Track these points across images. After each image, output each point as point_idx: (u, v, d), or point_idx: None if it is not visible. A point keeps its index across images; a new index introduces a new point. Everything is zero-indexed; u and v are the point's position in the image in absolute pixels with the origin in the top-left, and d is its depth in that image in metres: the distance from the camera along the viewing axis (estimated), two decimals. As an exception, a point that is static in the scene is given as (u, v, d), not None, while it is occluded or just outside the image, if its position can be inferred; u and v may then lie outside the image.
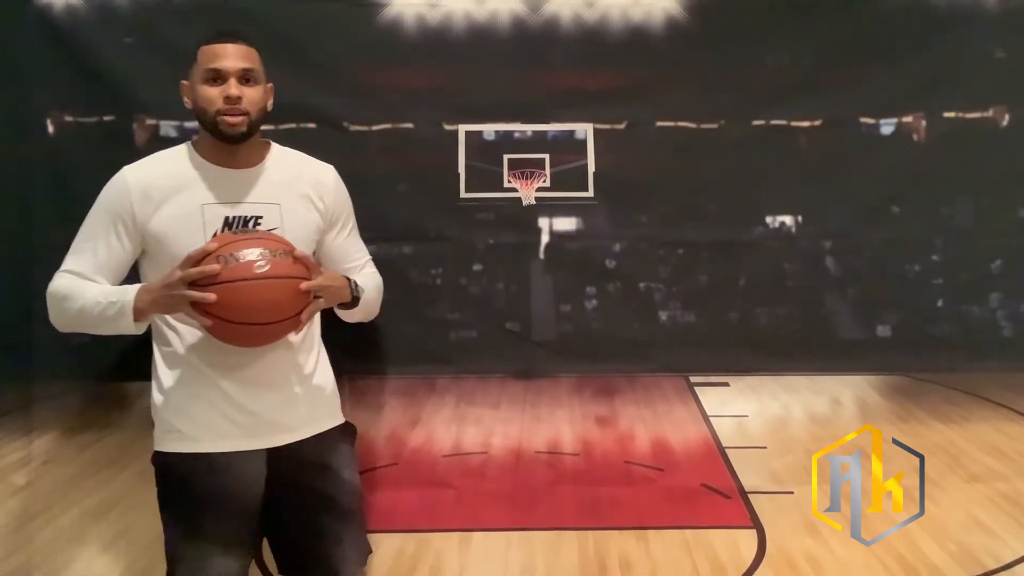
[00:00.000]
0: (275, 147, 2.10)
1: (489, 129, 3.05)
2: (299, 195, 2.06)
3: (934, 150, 3.08)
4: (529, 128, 3.06)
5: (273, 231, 1.98)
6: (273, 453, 2.03)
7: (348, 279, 2.04)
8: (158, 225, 1.96)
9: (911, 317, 3.10)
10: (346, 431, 2.17)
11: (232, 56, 1.99)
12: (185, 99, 2.05)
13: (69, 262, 1.99)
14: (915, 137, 3.09)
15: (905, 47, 3.06)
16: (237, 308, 1.80)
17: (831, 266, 3.12)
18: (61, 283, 1.96)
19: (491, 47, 3.02)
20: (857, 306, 3.11)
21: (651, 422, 3.08)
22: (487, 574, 2.64)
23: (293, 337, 1.99)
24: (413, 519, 2.80)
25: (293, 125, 2.90)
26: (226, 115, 1.95)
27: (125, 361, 3.01)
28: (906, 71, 3.06)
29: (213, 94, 1.97)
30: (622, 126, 3.08)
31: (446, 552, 2.69)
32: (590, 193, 3.05)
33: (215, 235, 1.94)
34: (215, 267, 1.77)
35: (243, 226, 1.97)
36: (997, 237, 3.10)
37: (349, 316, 2.11)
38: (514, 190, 3.03)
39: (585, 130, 3.06)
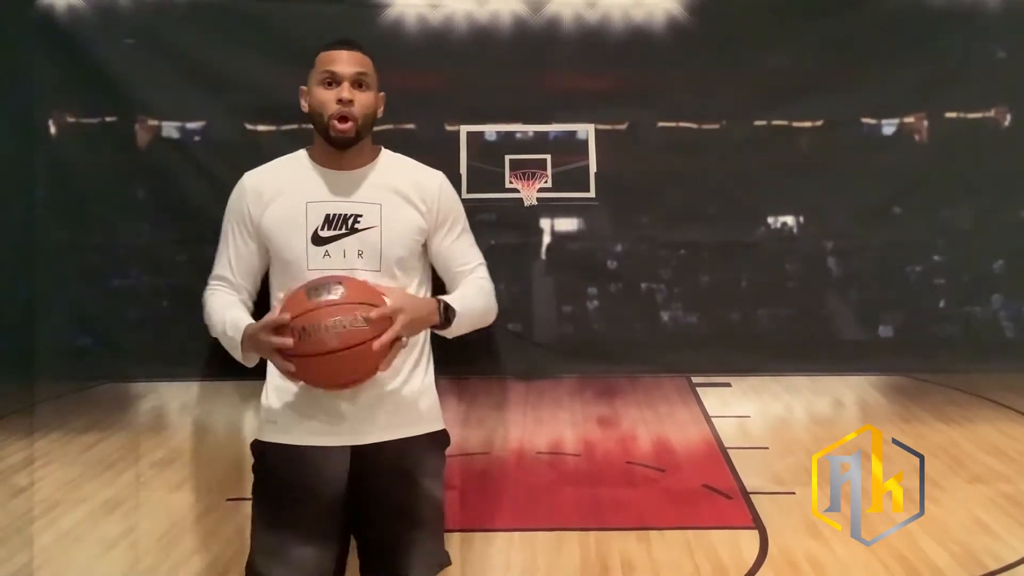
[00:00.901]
0: (385, 152, 2.18)
1: (490, 130, 3.05)
2: (401, 196, 2.11)
3: (936, 151, 3.08)
4: (530, 129, 3.06)
5: (372, 229, 2.05)
6: (357, 452, 2.05)
7: (438, 302, 2.07)
8: (267, 223, 2.09)
9: (913, 318, 3.09)
10: (436, 440, 2.18)
11: (346, 61, 2.08)
12: (303, 102, 2.13)
13: (215, 268, 2.18)
14: (917, 138, 3.09)
15: (907, 47, 3.05)
16: (316, 376, 1.92)
17: (833, 267, 3.11)
18: (208, 297, 2.15)
19: (492, 48, 3.03)
20: (859, 307, 3.11)
21: (653, 423, 3.08)
22: (489, 575, 2.64)
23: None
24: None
25: (295, 126, 2.90)
26: (337, 120, 2.02)
27: (127, 362, 3.02)
28: (908, 72, 3.06)
29: (327, 96, 2.06)
30: (623, 127, 3.08)
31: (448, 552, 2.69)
32: (592, 194, 3.05)
33: (315, 231, 2.04)
34: (288, 341, 1.86)
35: (343, 225, 2.03)
36: (999, 238, 3.10)
37: (449, 335, 2.14)
38: (516, 191, 3.03)
39: (586, 131, 3.06)
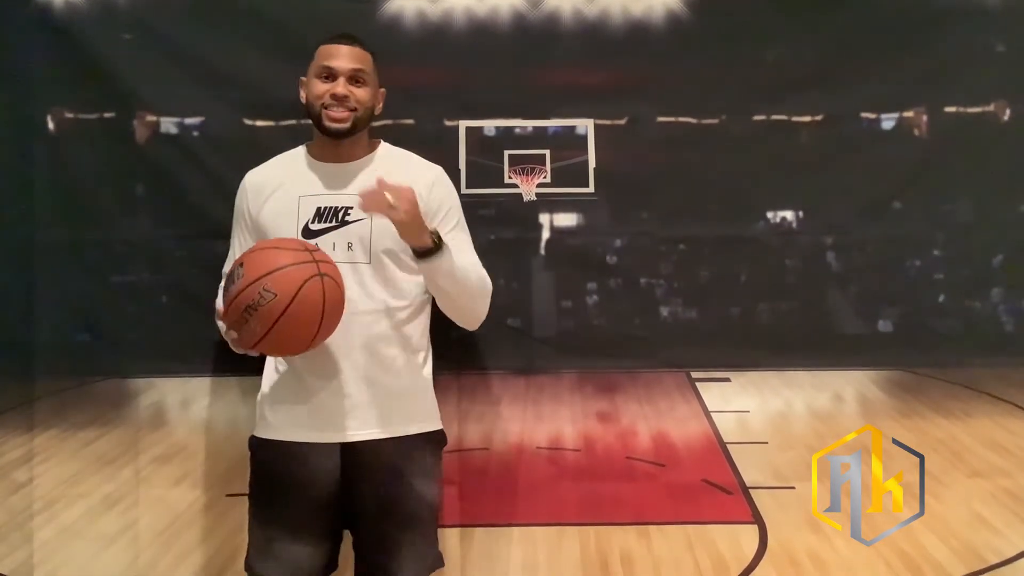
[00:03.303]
0: (384, 145, 2.18)
1: (489, 125, 3.05)
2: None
3: (935, 145, 3.07)
4: (530, 124, 3.06)
5: (362, 220, 2.06)
6: (347, 449, 2.04)
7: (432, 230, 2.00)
8: (263, 219, 2.11)
9: (912, 312, 3.09)
10: (432, 440, 2.17)
11: (345, 56, 2.09)
12: (301, 93, 2.13)
13: (229, 264, 2.18)
14: (916, 132, 3.09)
15: (906, 42, 3.05)
16: (279, 351, 1.97)
17: (832, 261, 3.11)
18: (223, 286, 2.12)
19: (491, 43, 3.02)
20: (858, 301, 3.11)
21: (652, 418, 3.08)
22: (489, 570, 2.64)
23: (380, 326, 2.02)
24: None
25: (294, 121, 2.89)
26: (330, 110, 2.02)
27: (126, 358, 3.02)
28: (907, 66, 3.05)
29: (322, 89, 2.07)
30: (623, 121, 3.08)
31: (448, 548, 2.69)
32: (591, 189, 3.04)
33: (305, 225, 2.08)
34: (232, 335, 1.90)
35: (333, 217, 2.03)
36: (999, 232, 3.10)
37: (436, 274, 2.03)
38: (515, 186, 3.03)
39: (586, 126, 3.06)
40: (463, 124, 3.04)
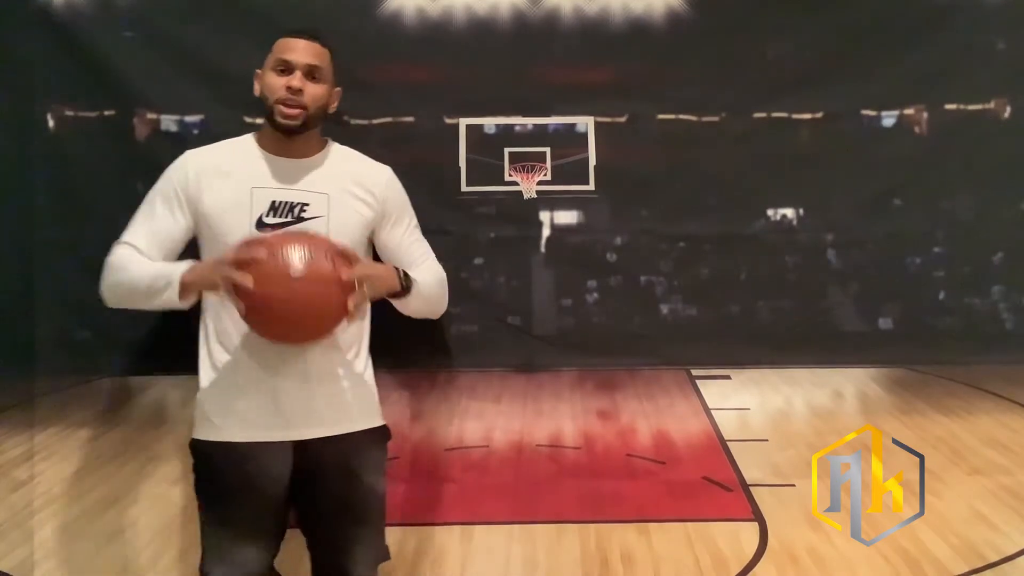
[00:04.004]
0: (334, 145, 2.15)
1: (490, 123, 3.04)
2: (348, 188, 2.09)
3: (935, 142, 3.07)
4: (530, 121, 3.05)
5: (318, 219, 2.01)
6: (299, 447, 2.04)
7: (396, 269, 2.03)
8: (209, 205, 2.01)
9: (913, 310, 3.09)
10: (378, 435, 2.17)
11: (302, 51, 2.05)
12: (256, 85, 2.08)
13: (127, 234, 2.03)
14: (916, 129, 3.09)
15: (906, 40, 3.05)
16: (270, 316, 1.83)
17: (832, 259, 3.11)
18: (118, 253, 2.01)
19: (492, 40, 3.02)
20: (858, 299, 3.11)
21: (652, 415, 3.09)
22: (489, 568, 2.64)
23: (339, 333, 2.01)
24: (415, 513, 2.80)
25: (293, 119, 2.89)
26: (284, 104, 2.00)
27: (126, 356, 3.02)
28: (907, 63, 3.06)
29: (278, 83, 2.03)
30: (623, 119, 3.08)
31: (448, 546, 2.69)
32: (591, 186, 3.04)
33: (260, 218, 1.97)
34: (248, 280, 1.78)
35: (288, 213, 2.00)
36: (999, 229, 3.10)
37: (406, 307, 2.07)
38: (515, 184, 3.03)
39: (586, 123, 3.06)
40: (463, 122, 3.04)
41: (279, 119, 2.01)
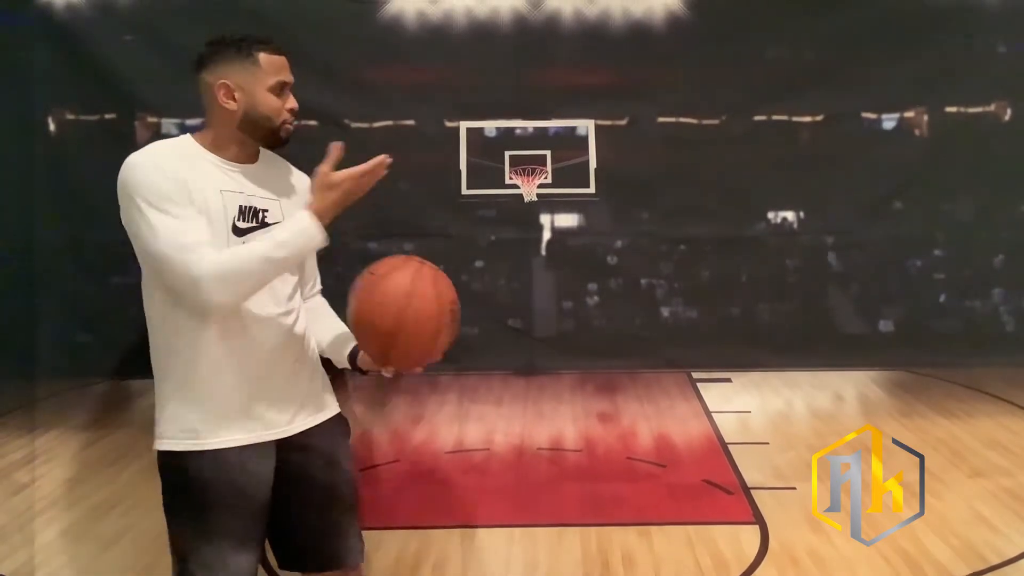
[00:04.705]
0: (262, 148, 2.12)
1: (490, 126, 3.05)
2: (290, 194, 2.08)
3: (936, 145, 3.08)
4: (530, 125, 3.06)
5: (277, 225, 1.99)
6: (282, 444, 2.03)
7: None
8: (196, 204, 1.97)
9: (913, 312, 3.09)
10: (343, 420, 2.18)
11: (288, 69, 2.03)
12: (224, 100, 1.99)
13: (185, 236, 1.84)
14: (917, 132, 3.09)
15: (907, 42, 3.05)
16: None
17: (833, 262, 3.11)
18: (220, 260, 1.85)
19: (492, 44, 3.02)
20: (859, 302, 3.11)
21: (653, 418, 3.08)
22: (490, 570, 2.64)
23: (296, 324, 2.01)
24: (416, 516, 2.80)
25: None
26: (289, 125, 1.99)
27: (127, 359, 3.02)
28: (908, 66, 3.06)
29: (279, 105, 1.99)
30: (623, 122, 3.08)
31: (449, 548, 2.69)
32: (591, 189, 3.04)
33: (233, 221, 1.95)
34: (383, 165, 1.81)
35: (254, 218, 1.99)
36: (999, 232, 3.10)
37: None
38: (516, 187, 3.03)
39: (586, 126, 3.06)
40: (464, 125, 3.04)
41: (283, 135, 2.01)
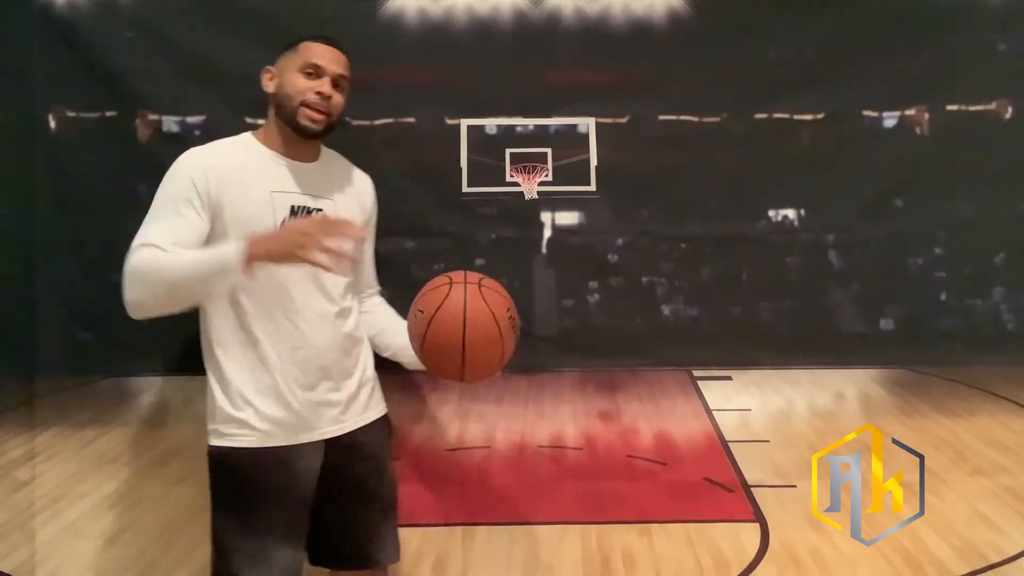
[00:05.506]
0: (323, 147, 2.15)
1: (491, 123, 3.04)
2: (348, 194, 2.12)
3: (937, 143, 3.07)
4: (531, 122, 3.05)
5: None
6: (331, 444, 2.05)
7: None
8: (231, 207, 2.00)
9: (914, 311, 3.09)
10: (387, 421, 2.20)
11: (332, 59, 2.07)
12: (266, 84, 2.06)
13: (146, 236, 1.93)
14: (918, 130, 3.08)
15: (908, 40, 3.05)
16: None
17: (834, 260, 3.11)
18: (143, 256, 1.91)
19: (493, 41, 3.02)
20: (860, 300, 3.11)
21: (654, 416, 3.08)
22: (490, 569, 2.64)
23: (347, 325, 2.03)
24: (416, 514, 2.81)
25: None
26: (310, 107, 1.99)
27: (128, 357, 3.01)
28: (909, 64, 3.05)
29: (305, 85, 2.02)
30: (624, 120, 3.07)
31: (449, 547, 2.69)
32: (592, 187, 3.04)
33: (283, 222, 1.96)
34: (363, 232, 1.81)
35: (306, 215, 2.01)
36: (1000, 230, 3.09)
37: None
38: (516, 184, 3.03)
39: (587, 124, 3.05)
40: (464, 122, 3.04)
41: (302, 121, 2.02)
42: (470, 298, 1.88)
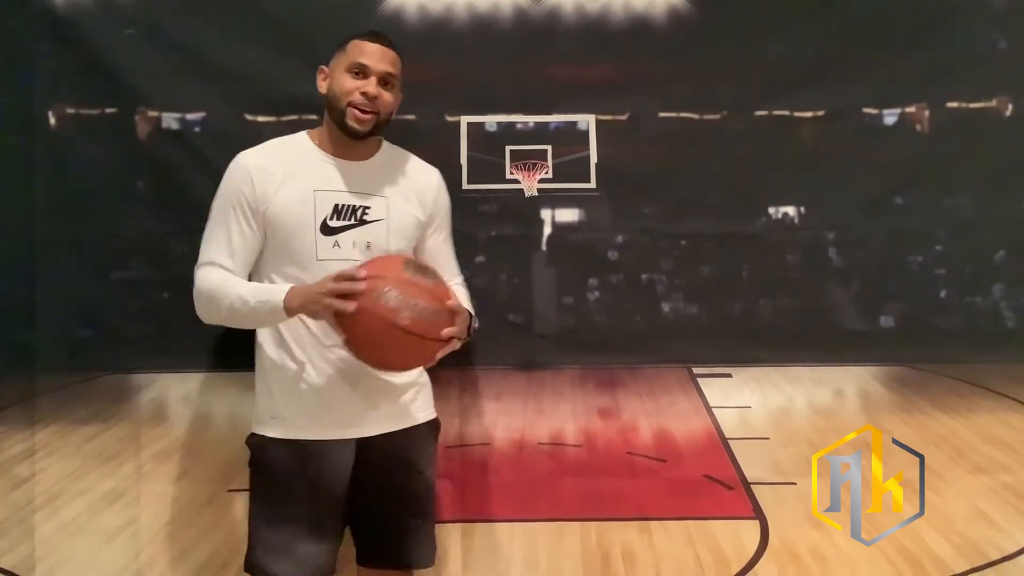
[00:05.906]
0: (385, 144, 2.15)
1: (491, 120, 3.04)
2: (404, 190, 2.10)
3: (937, 141, 3.07)
4: (531, 119, 3.06)
5: (378, 222, 2.04)
6: (363, 443, 2.05)
7: (469, 314, 2.07)
8: (274, 208, 2.00)
9: (914, 308, 3.09)
10: (433, 428, 2.19)
11: (379, 56, 2.05)
12: (321, 83, 2.07)
13: (208, 252, 2.00)
14: (918, 128, 3.09)
15: (908, 38, 3.05)
16: (372, 341, 1.86)
17: (834, 257, 3.11)
18: (208, 279, 1.98)
19: (493, 38, 3.02)
20: (860, 297, 3.11)
21: (654, 413, 3.08)
22: (490, 566, 2.64)
23: None
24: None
25: (295, 116, 2.90)
26: (357, 108, 1.99)
27: (127, 353, 3.02)
28: (909, 61, 3.06)
29: (352, 86, 2.02)
30: (624, 117, 3.08)
31: (449, 544, 2.69)
32: (592, 184, 3.04)
33: (325, 221, 2.00)
34: (350, 307, 1.80)
35: (351, 216, 2.01)
36: (1000, 228, 3.10)
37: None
38: (516, 182, 3.03)
39: (587, 121, 3.06)
40: (464, 119, 3.04)
41: (350, 122, 2.01)
42: (364, 309, 1.88)
